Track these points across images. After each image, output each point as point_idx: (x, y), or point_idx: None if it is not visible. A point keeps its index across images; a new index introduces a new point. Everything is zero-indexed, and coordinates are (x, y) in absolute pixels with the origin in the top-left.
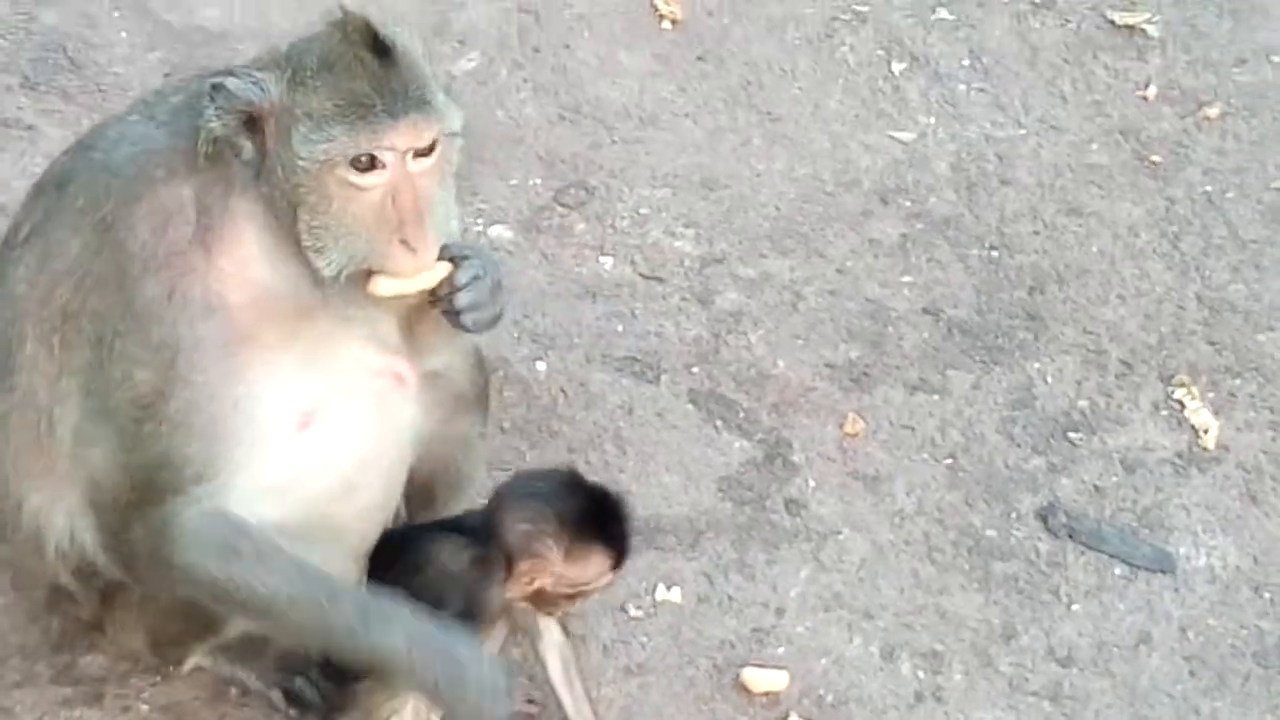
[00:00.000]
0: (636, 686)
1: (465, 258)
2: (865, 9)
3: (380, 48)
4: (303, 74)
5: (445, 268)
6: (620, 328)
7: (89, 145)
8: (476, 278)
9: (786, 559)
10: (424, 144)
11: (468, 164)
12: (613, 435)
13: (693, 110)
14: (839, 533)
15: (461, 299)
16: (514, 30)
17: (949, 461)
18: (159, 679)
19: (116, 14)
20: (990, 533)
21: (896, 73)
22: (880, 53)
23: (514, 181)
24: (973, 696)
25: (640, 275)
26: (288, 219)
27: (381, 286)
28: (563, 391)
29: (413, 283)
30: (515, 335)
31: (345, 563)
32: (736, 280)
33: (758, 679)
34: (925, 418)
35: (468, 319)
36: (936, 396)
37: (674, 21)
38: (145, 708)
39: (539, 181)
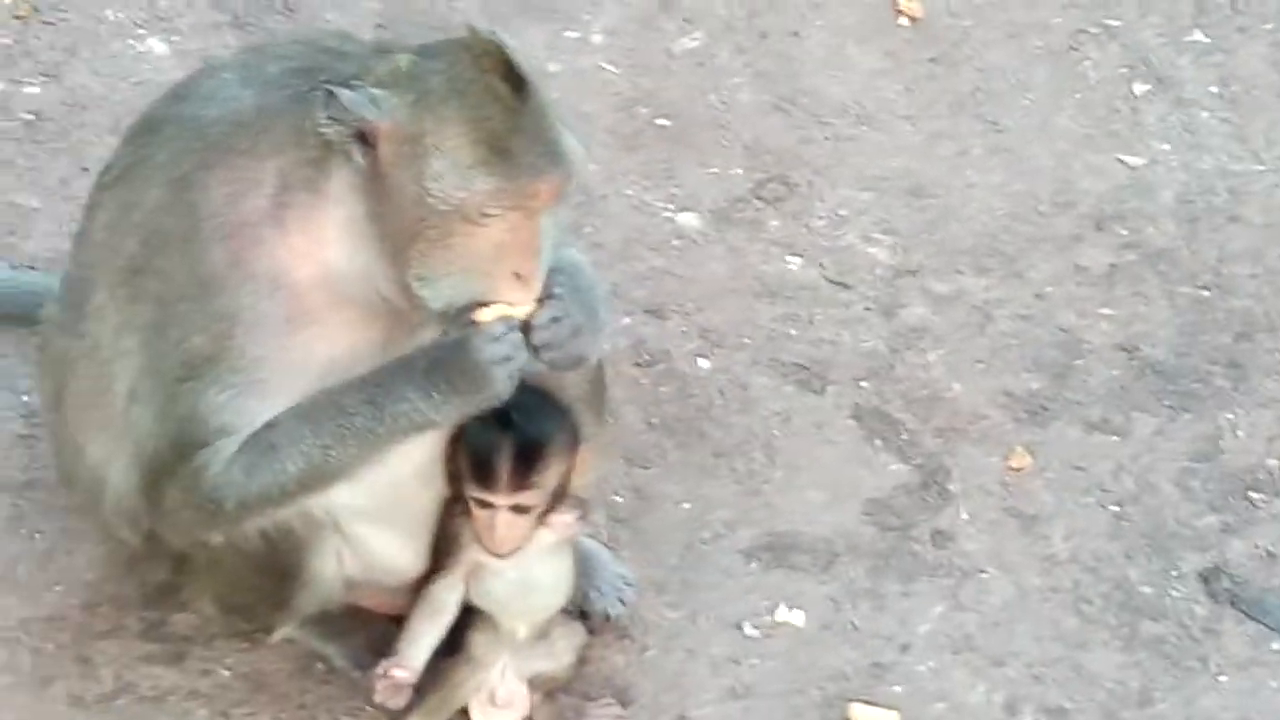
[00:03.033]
0: (739, 709)
1: (552, 296)
2: (1116, 24)
3: (514, 79)
4: (430, 100)
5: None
6: (794, 332)
7: (181, 95)
8: (555, 319)
9: (922, 593)
10: (561, 198)
11: (669, 146)
12: (764, 443)
13: (914, 113)
14: (983, 571)
15: (537, 336)
16: (743, 13)
17: (1115, 509)
18: (246, 645)
19: None
20: (1145, 589)
21: (1137, 94)
22: (1124, 71)
23: (713, 169)
24: None
25: (826, 279)
26: (391, 234)
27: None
28: (721, 392)
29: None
30: (683, 329)
31: (417, 544)
32: (926, 295)
33: (865, 716)
34: (1099, 460)
35: (545, 357)
36: (1115, 438)
37: (912, 19)
38: (227, 674)
39: (740, 172)
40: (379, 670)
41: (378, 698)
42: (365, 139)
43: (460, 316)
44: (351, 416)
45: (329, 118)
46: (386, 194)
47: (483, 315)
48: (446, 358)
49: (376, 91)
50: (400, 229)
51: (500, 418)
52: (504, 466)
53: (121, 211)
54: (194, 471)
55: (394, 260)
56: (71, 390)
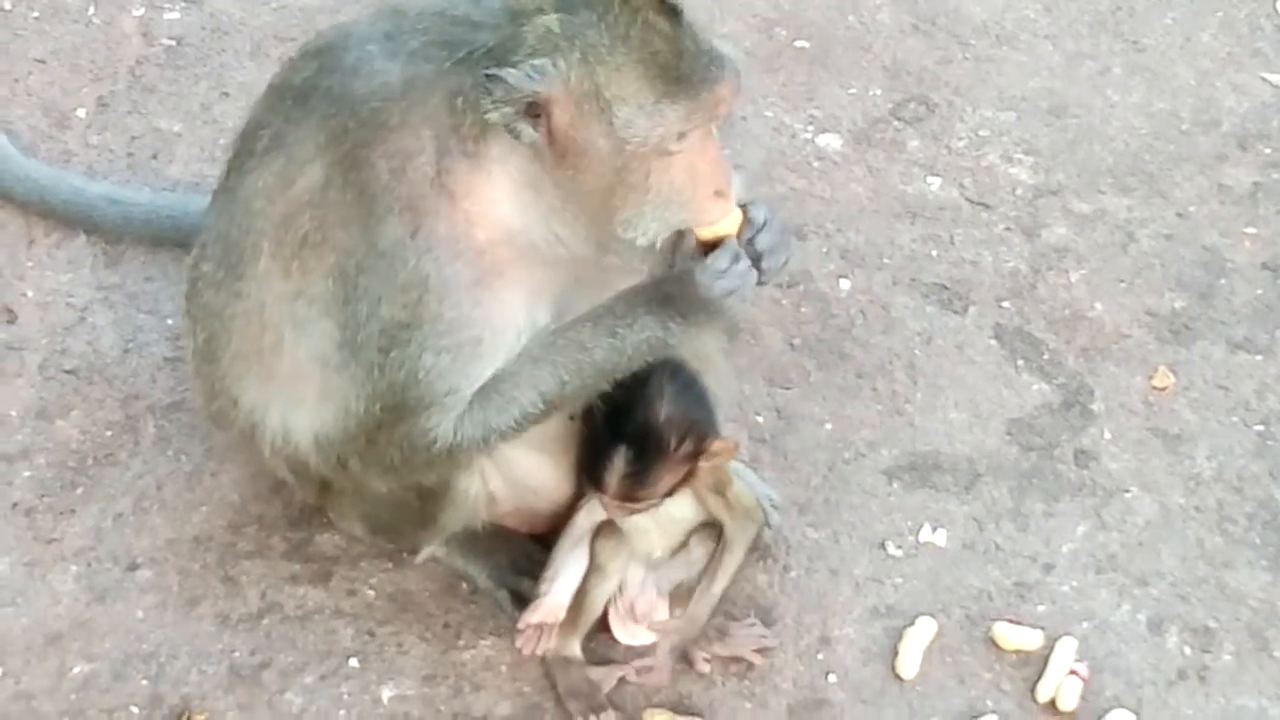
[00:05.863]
0: (881, 629)
1: (748, 201)
2: None
3: (665, 6)
4: (595, 53)
5: (737, 213)
6: (935, 252)
7: (328, 66)
8: (768, 219)
9: (1065, 512)
10: (736, 100)
11: (809, 68)
12: (906, 363)
13: (1054, 33)
14: (1127, 490)
15: (763, 240)
16: None
17: (1260, 428)
18: (390, 565)
19: None
20: None
21: None
22: None
23: (853, 90)
24: (1240, 680)
25: (967, 200)
26: (585, 191)
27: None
28: (862, 313)
29: (722, 228)
30: (823, 250)
31: (561, 464)
32: (1068, 214)
33: (1010, 636)
34: (1243, 379)
35: (769, 262)
36: (1260, 358)
37: None
38: (371, 593)
39: (879, 92)
40: (520, 625)
41: (525, 651)
42: (535, 110)
43: (678, 246)
44: (591, 351)
45: (495, 102)
46: (572, 155)
47: (702, 235)
48: (679, 294)
49: (538, 61)
50: (595, 184)
51: (617, 425)
52: (613, 479)
53: (280, 181)
54: (419, 429)
55: (593, 214)
56: (228, 345)
